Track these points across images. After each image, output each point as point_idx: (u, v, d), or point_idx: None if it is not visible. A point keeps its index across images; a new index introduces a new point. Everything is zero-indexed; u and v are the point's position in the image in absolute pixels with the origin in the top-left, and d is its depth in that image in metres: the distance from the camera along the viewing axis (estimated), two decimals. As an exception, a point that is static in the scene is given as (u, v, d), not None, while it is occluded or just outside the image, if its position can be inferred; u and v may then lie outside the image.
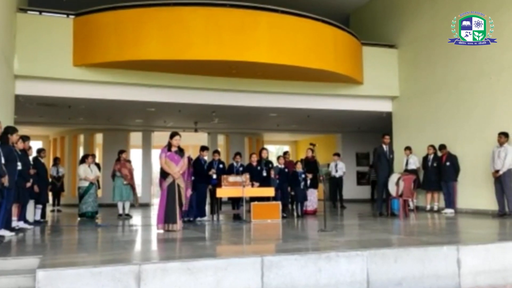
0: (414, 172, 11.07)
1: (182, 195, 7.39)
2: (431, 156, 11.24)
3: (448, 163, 10.78)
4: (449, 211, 10.52)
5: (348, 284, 4.79)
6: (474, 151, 10.47)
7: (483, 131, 10.31)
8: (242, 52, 10.14)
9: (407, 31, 12.75)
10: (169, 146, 7.44)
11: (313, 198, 10.91)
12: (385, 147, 10.09)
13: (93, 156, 11.32)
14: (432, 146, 11.24)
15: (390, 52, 13.01)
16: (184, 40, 9.92)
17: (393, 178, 9.67)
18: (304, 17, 10.96)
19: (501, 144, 9.25)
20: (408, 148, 11.72)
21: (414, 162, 11.58)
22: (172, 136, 7.48)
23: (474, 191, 10.40)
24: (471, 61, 10.68)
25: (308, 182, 10.72)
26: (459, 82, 11.07)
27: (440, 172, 10.94)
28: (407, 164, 11.58)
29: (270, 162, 10.26)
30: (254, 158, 10.09)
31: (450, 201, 10.72)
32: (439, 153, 11.10)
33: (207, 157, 10.02)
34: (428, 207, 11.38)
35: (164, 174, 7.39)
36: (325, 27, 11.35)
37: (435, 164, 11.11)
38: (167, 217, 7.23)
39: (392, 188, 9.58)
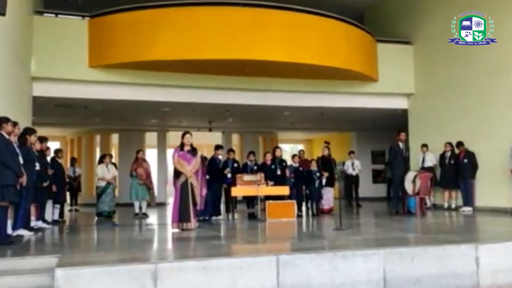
0: (430, 169, 10.94)
1: (195, 194, 7.42)
2: (448, 154, 11.09)
3: (465, 161, 10.62)
4: (467, 209, 10.37)
5: (364, 283, 4.76)
6: (492, 148, 10.30)
7: (501, 128, 10.14)
8: (255, 51, 10.13)
9: (423, 27, 12.59)
10: (181, 146, 7.50)
11: (329, 196, 10.85)
12: (401, 145, 9.96)
13: (110, 156, 11.43)
14: (449, 143, 11.08)
15: (406, 49, 12.86)
16: (197, 40, 9.95)
17: (410, 176, 9.55)
18: (316, 15, 10.89)
19: (519, 140, 9.09)
20: (424, 146, 11.57)
21: (431, 160, 11.43)
22: (183, 135, 7.56)
23: (492, 189, 10.24)
24: (489, 58, 10.50)
25: (324, 180, 10.66)
26: (476, 79, 10.90)
27: (457, 169, 10.79)
28: (423, 161, 11.45)
29: (284, 161, 10.23)
30: (268, 157, 10.07)
31: (468, 199, 10.56)
32: (456, 150, 10.95)
33: (221, 156, 10.04)
34: (446, 205, 11.23)
35: (177, 174, 7.44)
36: (338, 25, 11.27)
37: (452, 162, 10.96)
38: (181, 216, 7.28)
39: (408, 186, 9.47)
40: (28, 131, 7.06)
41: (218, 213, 9.66)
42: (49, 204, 8.67)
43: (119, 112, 13.57)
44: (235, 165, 10.03)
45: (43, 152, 8.08)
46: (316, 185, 10.26)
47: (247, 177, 9.37)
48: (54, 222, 8.93)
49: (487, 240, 5.89)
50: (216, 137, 17.26)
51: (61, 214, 9.84)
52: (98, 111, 13.06)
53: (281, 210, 9.02)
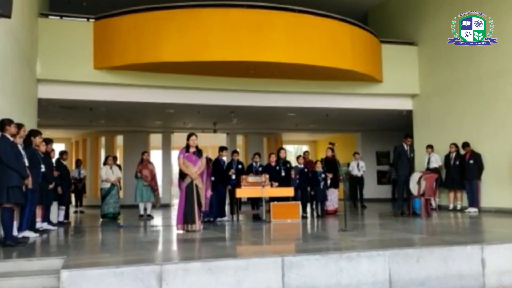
0: (436, 170, 10.90)
1: (200, 195, 7.42)
2: (453, 154, 11.05)
3: (471, 161, 10.58)
4: (473, 210, 10.32)
5: (369, 284, 4.75)
6: (497, 148, 10.26)
7: (506, 128, 10.09)
8: (260, 52, 10.14)
9: (427, 28, 12.55)
10: (187, 147, 7.51)
11: (334, 197, 10.83)
12: (405, 146, 10.00)
13: (114, 157, 11.45)
14: (454, 144, 11.05)
15: (410, 50, 12.84)
16: (201, 42, 9.97)
17: (415, 177, 9.53)
18: (321, 16, 10.90)
19: (525, 141, 9.04)
20: (430, 147, 11.54)
21: (436, 161, 11.40)
22: (188, 137, 7.57)
23: (498, 190, 10.19)
24: (493, 57, 10.46)
25: (329, 181, 10.64)
26: (481, 79, 10.85)
27: (463, 170, 10.74)
28: (429, 162, 11.40)
29: (288, 162, 10.22)
30: (273, 158, 10.06)
31: (474, 200, 10.52)
32: (462, 151, 10.91)
33: (226, 157, 10.04)
34: (451, 206, 11.19)
35: (182, 175, 7.45)
36: (342, 26, 11.27)
37: (457, 163, 10.92)
38: (186, 218, 7.29)
39: (413, 187, 9.44)
40: (33, 133, 7.10)
41: (222, 214, 9.66)
42: (54, 206, 8.70)
43: (124, 113, 13.61)
44: (240, 166, 10.03)
45: (48, 154, 8.11)
46: (321, 186, 10.25)
47: (251, 179, 9.37)
48: (59, 224, 8.96)
49: (493, 241, 5.84)
50: (221, 139, 17.27)
51: (66, 215, 9.88)
52: (103, 112, 13.10)
53: (286, 211, 9.02)
